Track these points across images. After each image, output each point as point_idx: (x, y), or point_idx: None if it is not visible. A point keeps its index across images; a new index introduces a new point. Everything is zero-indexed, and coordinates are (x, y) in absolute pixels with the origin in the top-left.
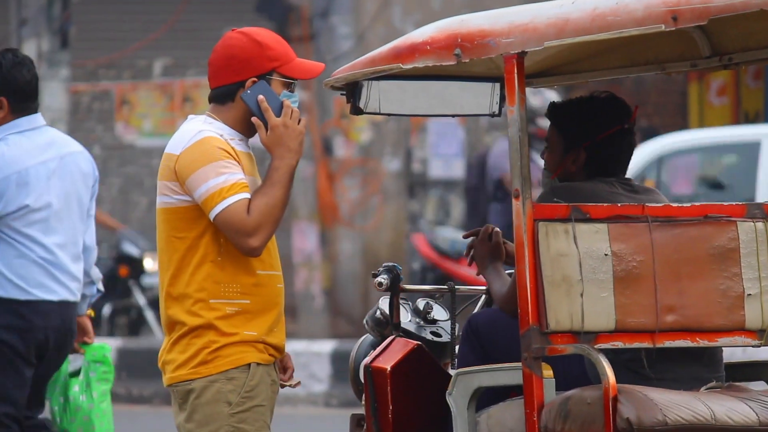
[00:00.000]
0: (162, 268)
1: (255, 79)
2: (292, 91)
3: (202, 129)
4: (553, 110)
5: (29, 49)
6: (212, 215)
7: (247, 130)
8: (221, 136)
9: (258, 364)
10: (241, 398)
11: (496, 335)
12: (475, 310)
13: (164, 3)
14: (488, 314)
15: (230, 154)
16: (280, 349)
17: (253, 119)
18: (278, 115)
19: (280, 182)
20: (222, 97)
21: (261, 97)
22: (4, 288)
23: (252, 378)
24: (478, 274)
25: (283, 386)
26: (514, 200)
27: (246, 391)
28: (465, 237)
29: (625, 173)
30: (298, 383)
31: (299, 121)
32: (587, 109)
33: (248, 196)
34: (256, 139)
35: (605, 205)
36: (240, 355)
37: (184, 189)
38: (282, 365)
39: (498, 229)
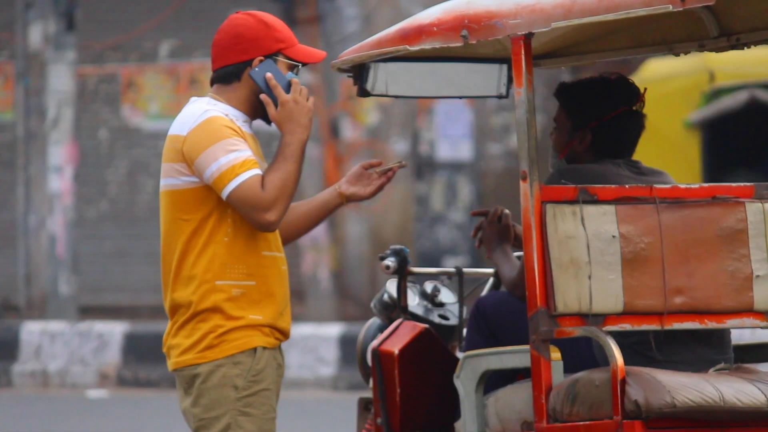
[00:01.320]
0: (167, 251)
1: (262, 58)
2: (296, 75)
3: (208, 109)
4: (561, 90)
5: (35, 32)
6: (225, 193)
7: (251, 111)
8: (227, 115)
9: (264, 348)
10: (248, 382)
11: (503, 318)
12: (483, 293)
13: None
14: (496, 297)
15: (237, 133)
16: (285, 333)
17: (262, 96)
18: (287, 92)
19: (292, 156)
20: (228, 76)
21: (269, 74)
22: None
23: (258, 362)
24: (487, 257)
25: (390, 170)
26: (521, 182)
27: (252, 375)
28: (473, 215)
29: (632, 155)
30: (402, 164)
31: (308, 99)
32: (595, 89)
33: (260, 172)
34: (258, 124)
35: (613, 186)
36: (246, 339)
37: (191, 170)
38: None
39: (507, 211)
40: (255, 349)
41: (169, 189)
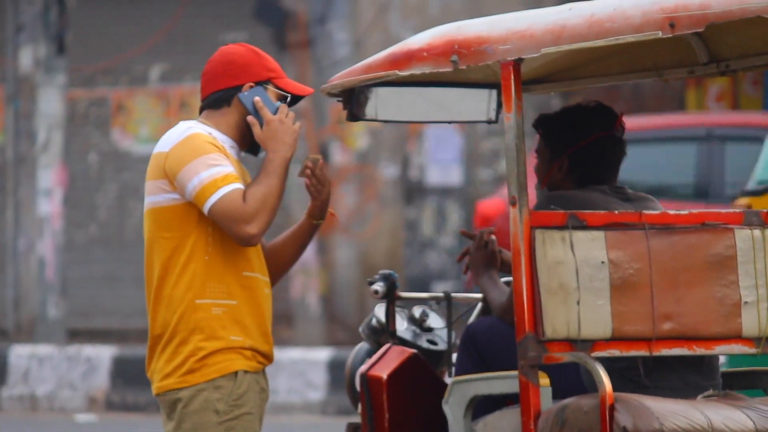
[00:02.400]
0: (148, 271)
1: (252, 84)
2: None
3: (191, 126)
4: (540, 121)
5: (26, 56)
6: (207, 206)
7: (240, 137)
8: (210, 134)
9: (245, 371)
10: (229, 406)
11: (493, 343)
12: (472, 318)
13: (161, 9)
14: (486, 322)
15: (220, 149)
16: (269, 357)
17: (249, 118)
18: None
19: (275, 172)
20: (218, 101)
21: (257, 98)
22: None
23: (239, 386)
24: (475, 284)
25: (305, 168)
26: (511, 207)
27: (233, 399)
28: (462, 234)
29: (615, 180)
30: (311, 159)
31: (294, 122)
32: (571, 117)
33: (242, 186)
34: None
35: (602, 212)
36: (226, 362)
37: (173, 186)
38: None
39: (494, 237)
40: (236, 373)
41: (152, 207)
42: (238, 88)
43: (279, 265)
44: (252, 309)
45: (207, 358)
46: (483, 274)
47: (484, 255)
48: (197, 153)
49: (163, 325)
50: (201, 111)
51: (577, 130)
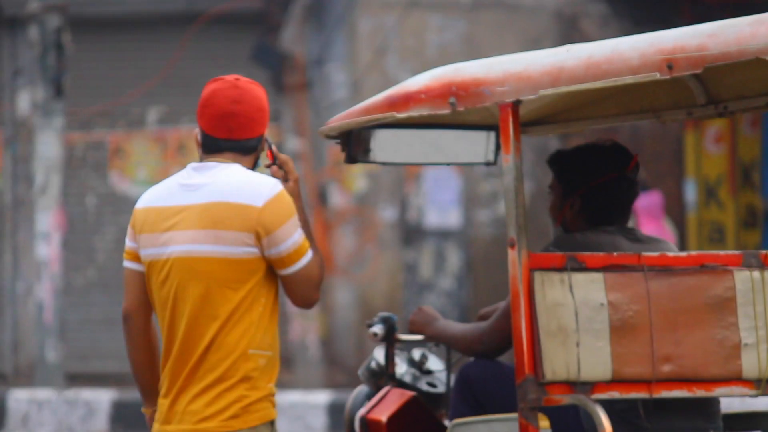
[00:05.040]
0: (201, 316)
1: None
2: None
3: (276, 182)
4: (555, 158)
5: (23, 99)
6: (295, 268)
7: None
8: None
9: (274, 420)
10: None
11: (488, 386)
12: (469, 361)
13: (158, 52)
14: (480, 365)
15: None
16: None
17: (273, 169)
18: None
19: (308, 233)
20: (252, 149)
21: (275, 148)
22: None
23: None
24: (427, 334)
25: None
26: (509, 249)
27: None
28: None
29: (626, 221)
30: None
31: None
32: (585, 156)
33: None
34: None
35: (601, 254)
36: (266, 411)
37: (259, 240)
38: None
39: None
40: (272, 422)
41: (221, 256)
42: (262, 135)
43: None
44: (278, 358)
45: (251, 405)
46: (432, 322)
47: (425, 311)
48: (291, 212)
49: (210, 370)
50: (224, 149)
51: (591, 169)
